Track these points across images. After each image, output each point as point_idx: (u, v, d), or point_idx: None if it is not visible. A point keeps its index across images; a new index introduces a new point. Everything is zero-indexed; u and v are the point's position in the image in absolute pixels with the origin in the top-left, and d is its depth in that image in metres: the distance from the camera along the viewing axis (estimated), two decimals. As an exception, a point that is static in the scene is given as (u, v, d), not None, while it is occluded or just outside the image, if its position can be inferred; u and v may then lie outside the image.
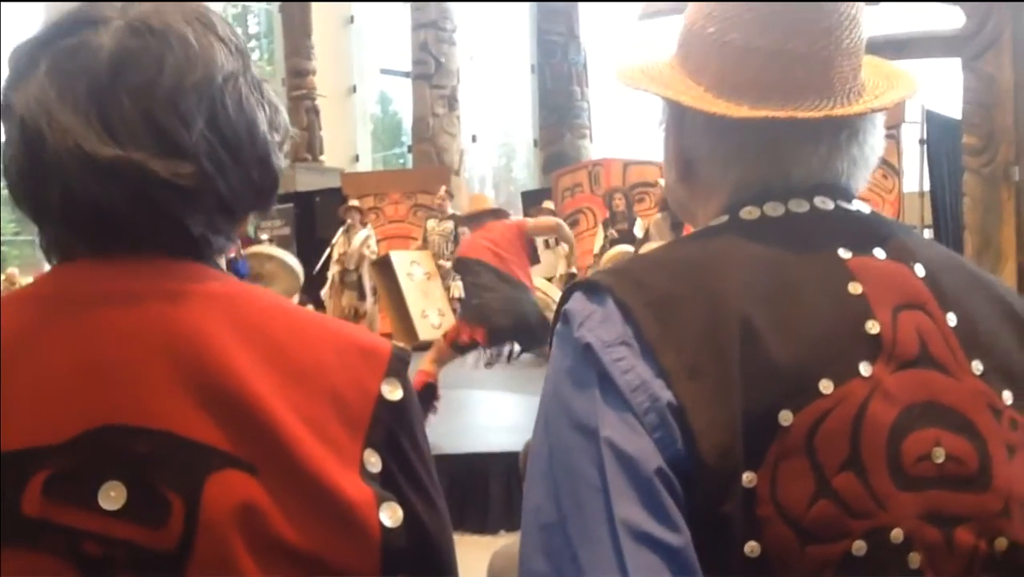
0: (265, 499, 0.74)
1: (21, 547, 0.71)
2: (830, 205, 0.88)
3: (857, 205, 0.90)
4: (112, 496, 0.72)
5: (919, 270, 0.86)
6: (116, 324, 0.76)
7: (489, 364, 5.82)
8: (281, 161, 0.87)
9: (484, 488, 5.06)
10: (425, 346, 7.02)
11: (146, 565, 0.72)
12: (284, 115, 0.88)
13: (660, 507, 0.75)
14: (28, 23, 0.81)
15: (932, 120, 8.19)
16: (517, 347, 6.02)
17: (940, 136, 7.99)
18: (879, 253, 0.86)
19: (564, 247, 8.98)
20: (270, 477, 0.75)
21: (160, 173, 0.76)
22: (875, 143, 0.91)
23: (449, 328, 5.94)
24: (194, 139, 0.78)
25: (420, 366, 5.58)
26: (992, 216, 6.46)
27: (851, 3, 0.88)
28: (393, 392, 0.82)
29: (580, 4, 15.06)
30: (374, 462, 0.79)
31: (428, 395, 5.43)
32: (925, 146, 8.34)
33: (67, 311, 0.77)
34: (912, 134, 8.45)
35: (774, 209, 0.88)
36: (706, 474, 0.75)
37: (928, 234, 8.01)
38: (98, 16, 0.79)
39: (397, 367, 0.83)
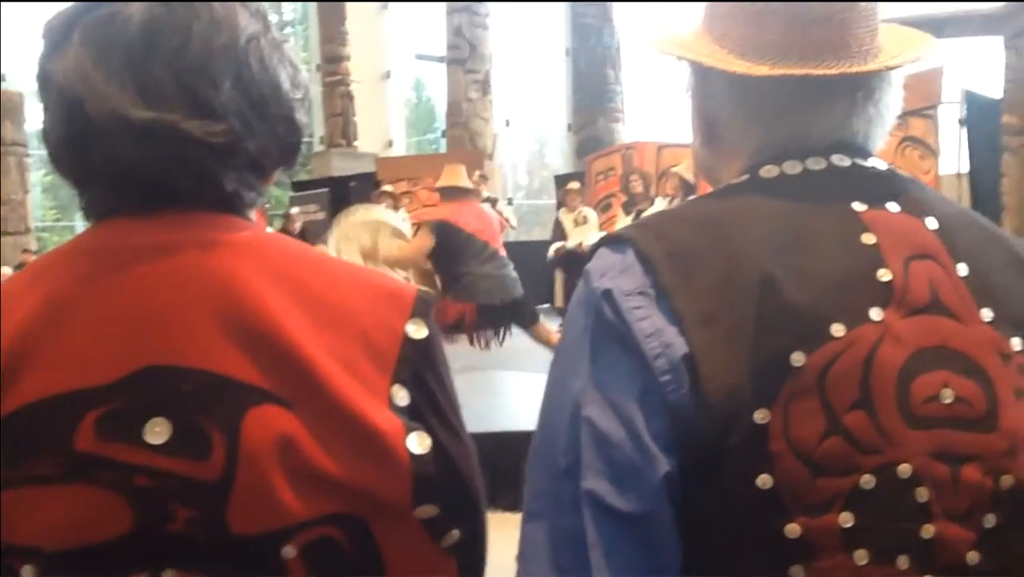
0: (301, 431, 0.79)
1: (76, 483, 0.76)
2: (847, 162, 0.91)
3: (873, 162, 0.93)
4: (157, 431, 0.77)
5: (931, 223, 0.89)
6: (157, 273, 0.81)
7: (486, 345, 5.66)
8: (304, 117, 0.91)
9: (516, 466, 5.07)
10: (445, 332, 7.01)
11: (193, 495, 0.77)
12: (303, 73, 0.93)
13: (626, 480, 0.80)
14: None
15: (971, 100, 8.09)
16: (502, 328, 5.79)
17: (979, 116, 7.88)
18: (892, 207, 0.89)
19: (593, 224, 8.96)
20: (305, 411, 0.79)
21: (194, 132, 0.81)
22: (891, 102, 0.94)
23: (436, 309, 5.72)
24: (223, 99, 0.83)
25: None
26: (1031, 197, 6.38)
27: None
28: (419, 331, 0.86)
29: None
30: (402, 396, 0.83)
31: None
32: (964, 126, 8.24)
33: (111, 263, 0.82)
34: (950, 115, 8.35)
35: (793, 167, 0.91)
36: (710, 414, 0.80)
37: (966, 216, 7.89)
38: None
39: (422, 308, 0.88)
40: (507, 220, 10.18)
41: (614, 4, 14.92)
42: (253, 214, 0.92)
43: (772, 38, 0.90)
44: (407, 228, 9.66)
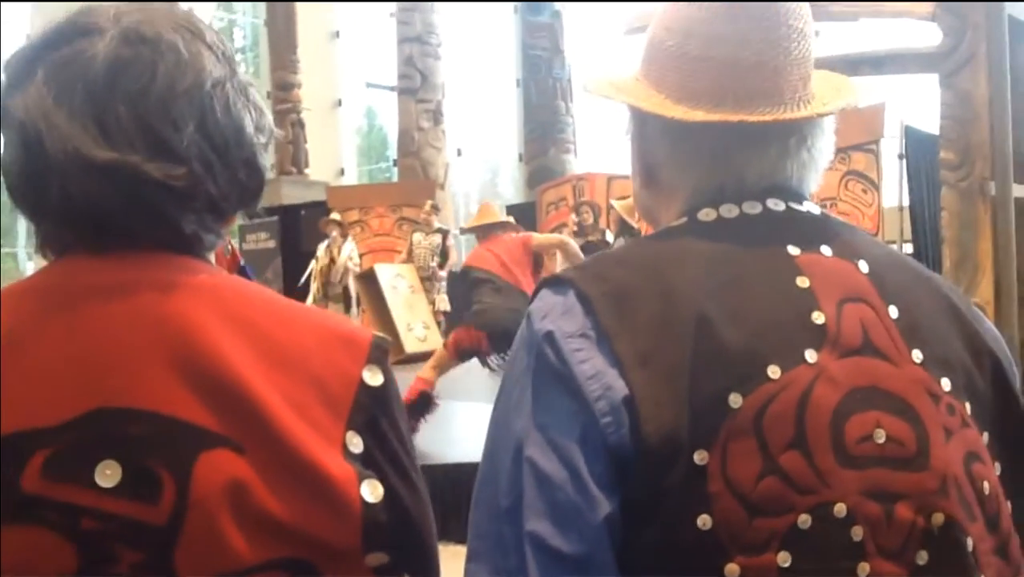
0: (252, 476, 0.78)
1: (22, 524, 0.75)
2: (781, 206, 0.94)
3: (807, 206, 0.96)
4: (108, 474, 0.76)
5: (863, 266, 0.91)
6: (111, 314, 0.80)
7: (494, 369, 5.86)
8: (266, 161, 0.92)
9: (467, 498, 5.03)
10: (409, 360, 7.00)
11: (140, 538, 0.76)
12: (268, 117, 0.93)
13: (568, 521, 0.81)
14: (22, 25, 0.85)
15: (910, 135, 8.30)
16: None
17: (918, 151, 8.09)
18: (826, 250, 0.91)
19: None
20: (257, 455, 0.79)
21: (154, 175, 0.81)
22: (823, 147, 0.97)
23: (451, 335, 5.95)
24: (185, 143, 0.82)
25: (420, 373, 5.60)
26: (969, 230, 6.55)
27: (800, 17, 0.94)
28: (374, 378, 0.86)
29: (565, 20, 15.17)
30: (356, 443, 0.83)
31: (422, 405, 5.44)
32: (904, 161, 8.44)
33: (64, 302, 0.81)
34: (891, 149, 8.56)
35: (729, 211, 0.94)
36: (649, 455, 0.81)
37: (908, 249, 8.09)
38: (92, 26, 0.83)
39: (378, 355, 0.87)
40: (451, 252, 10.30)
41: (565, 37, 15.07)
42: (212, 256, 0.92)
43: (707, 84, 0.93)
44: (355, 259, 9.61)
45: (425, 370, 5.63)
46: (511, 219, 6.50)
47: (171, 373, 0.79)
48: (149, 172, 0.81)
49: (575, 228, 9.66)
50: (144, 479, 0.76)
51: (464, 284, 6.06)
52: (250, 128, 0.89)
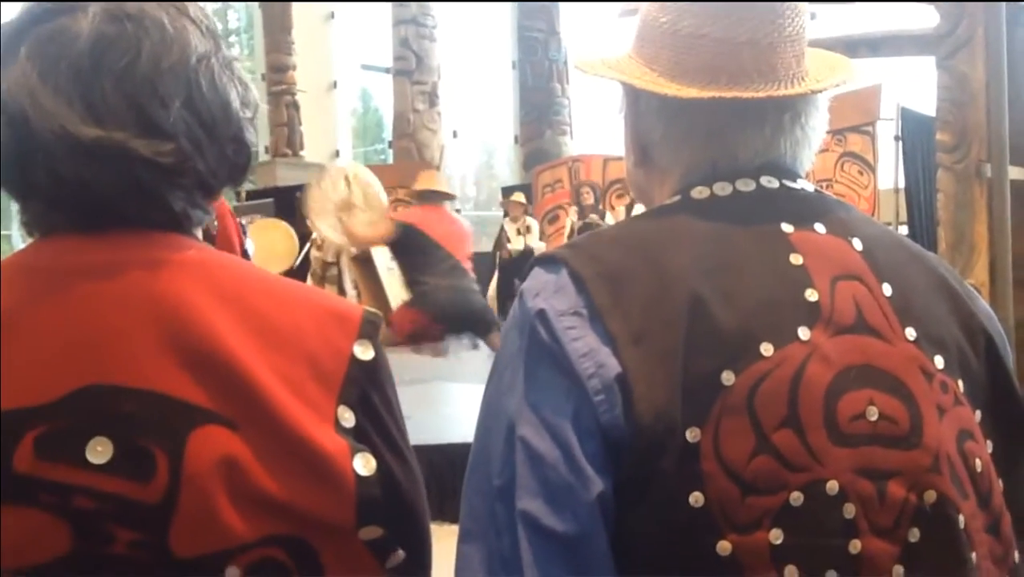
0: (245, 452, 0.78)
1: (15, 505, 0.75)
2: (775, 184, 0.93)
3: (801, 184, 0.96)
4: (99, 451, 0.76)
5: (857, 244, 0.91)
6: (102, 292, 0.80)
7: (440, 353, 5.75)
8: (253, 137, 0.91)
9: (461, 479, 5.06)
10: (404, 342, 7.00)
11: (134, 517, 0.76)
12: (253, 92, 0.92)
13: (561, 500, 0.81)
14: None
15: (907, 117, 8.27)
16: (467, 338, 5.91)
17: (915, 133, 8.06)
18: (820, 228, 0.91)
19: (534, 234, 9.09)
20: (249, 432, 0.79)
21: (141, 152, 0.80)
22: (817, 124, 0.97)
23: (392, 317, 5.81)
24: (172, 119, 0.82)
25: None
26: (965, 212, 6.54)
27: None
28: (365, 352, 0.86)
29: (561, 1, 15.09)
30: (348, 418, 0.83)
31: None
32: (900, 143, 8.42)
33: (54, 281, 0.81)
34: (887, 131, 8.52)
35: (722, 189, 0.93)
36: (642, 433, 0.81)
37: (904, 230, 8.09)
38: (75, 2, 0.82)
39: (369, 330, 0.88)
40: None
41: (560, 18, 15.00)
42: (199, 232, 0.91)
43: (701, 62, 0.92)
44: None
45: None
46: (453, 195, 6.31)
47: (163, 350, 0.79)
48: (137, 149, 0.80)
49: (576, 209, 9.67)
50: (136, 457, 0.76)
51: (410, 246, 5.69)
52: (236, 103, 0.88)
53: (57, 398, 0.77)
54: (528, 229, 10.05)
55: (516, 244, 9.82)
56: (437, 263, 5.51)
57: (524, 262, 8.79)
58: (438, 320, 5.45)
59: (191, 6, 0.88)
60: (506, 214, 11.36)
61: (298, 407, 0.81)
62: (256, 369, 0.80)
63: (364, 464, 0.82)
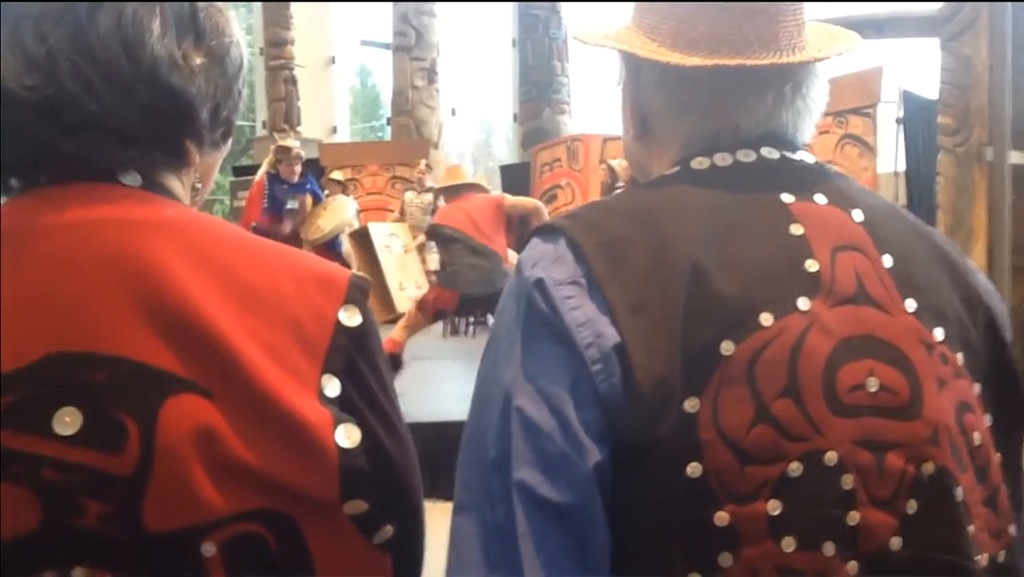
0: (222, 422, 0.75)
1: None
2: (776, 155, 0.93)
3: (801, 155, 0.95)
4: (67, 421, 0.73)
5: (857, 215, 0.91)
6: (71, 254, 0.77)
7: (454, 332, 5.92)
8: (194, 87, 0.85)
9: (456, 456, 5.10)
10: (400, 319, 7.05)
11: (105, 489, 0.73)
12: (227, 45, 0.88)
13: (557, 470, 0.80)
14: None
15: (909, 100, 8.25)
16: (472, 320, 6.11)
17: (916, 116, 8.05)
18: (820, 198, 0.90)
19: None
20: (227, 401, 0.76)
21: (11, 85, 0.78)
22: (817, 96, 0.96)
23: (423, 295, 5.98)
24: (48, 53, 0.79)
25: (390, 335, 5.61)
26: (965, 196, 6.55)
27: None
28: (351, 318, 0.83)
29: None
30: (333, 386, 0.80)
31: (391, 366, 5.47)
32: (901, 125, 8.40)
33: (21, 243, 0.78)
34: (888, 114, 8.50)
35: (723, 159, 0.92)
36: (640, 403, 0.80)
37: (902, 213, 8.06)
38: None
39: (356, 295, 0.84)
40: None
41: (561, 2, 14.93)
42: (179, 188, 0.88)
43: (703, 31, 0.92)
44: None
45: (396, 331, 5.65)
46: (482, 182, 6.52)
47: (135, 316, 0.76)
48: (8, 83, 0.78)
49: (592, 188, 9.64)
50: (107, 427, 0.73)
51: (436, 243, 6.10)
52: (156, 45, 0.82)
53: (23, 366, 0.73)
54: None
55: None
56: (461, 246, 5.69)
57: None
58: (464, 298, 5.63)
59: None
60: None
61: (278, 375, 0.77)
62: (234, 335, 0.77)
63: (347, 435, 0.79)
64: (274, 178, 7.67)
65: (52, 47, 0.79)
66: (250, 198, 7.96)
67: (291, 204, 7.71)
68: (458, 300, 5.63)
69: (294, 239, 7.28)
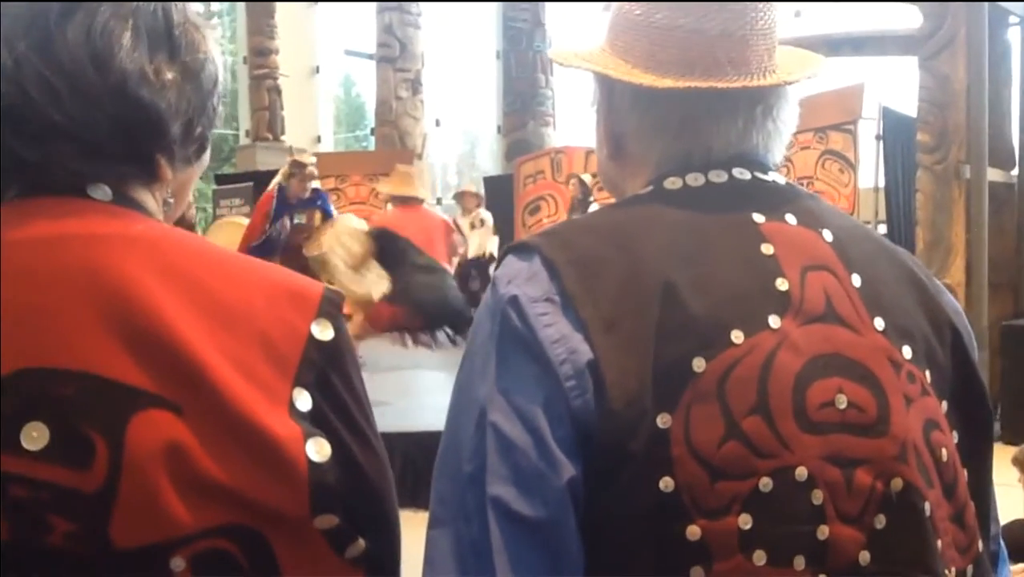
0: (190, 437, 0.75)
1: None
2: (747, 175, 0.94)
3: (772, 176, 0.97)
4: (34, 436, 0.72)
5: (827, 235, 0.92)
6: (38, 268, 0.77)
7: (416, 343, 5.91)
8: (168, 103, 0.85)
9: (436, 466, 5.09)
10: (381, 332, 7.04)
11: (72, 507, 0.72)
12: (203, 59, 0.88)
13: (531, 486, 0.81)
14: None
15: (888, 117, 8.32)
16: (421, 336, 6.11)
17: (895, 133, 8.12)
18: (791, 219, 0.92)
19: (489, 228, 9.15)
20: (195, 416, 0.75)
21: None
22: (788, 117, 0.98)
23: (372, 310, 5.92)
24: (14, 62, 0.79)
25: None
26: (943, 213, 6.62)
27: None
28: (324, 332, 0.83)
29: (547, -8, 15.08)
30: (303, 401, 0.80)
31: None
32: (881, 142, 8.47)
33: None
34: (868, 130, 8.58)
35: (695, 179, 0.94)
36: (613, 418, 0.81)
37: (882, 229, 8.14)
38: None
39: (328, 309, 0.84)
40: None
41: (546, 8, 14.98)
42: (151, 203, 0.87)
43: (675, 54, 0.93)
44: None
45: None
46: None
47: (102, 330, 0.75)
48: None
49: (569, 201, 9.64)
50: (74, 442, 0.73)
51: (387, 248, 6.03)
52: (123, 56, 0.82)
53: None
54: (482, 223, 10.00)
55: (470, 242, 9.71)
56: (412, 259, 5.70)
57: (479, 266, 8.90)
58: (416, 315, 5.59)
59: None
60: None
61: (248, 390, 0.77)
62: (203, 350, 0.76)
63: (317, 449, 0.79)
64: (283, 191, 7.58)
65: (19, 56, 0.79)
66: (257, 207, 7.88)
67: (298, 218, 7.63)
68: (407, 314, 5.63)
69: (297, 253, 7.18)
